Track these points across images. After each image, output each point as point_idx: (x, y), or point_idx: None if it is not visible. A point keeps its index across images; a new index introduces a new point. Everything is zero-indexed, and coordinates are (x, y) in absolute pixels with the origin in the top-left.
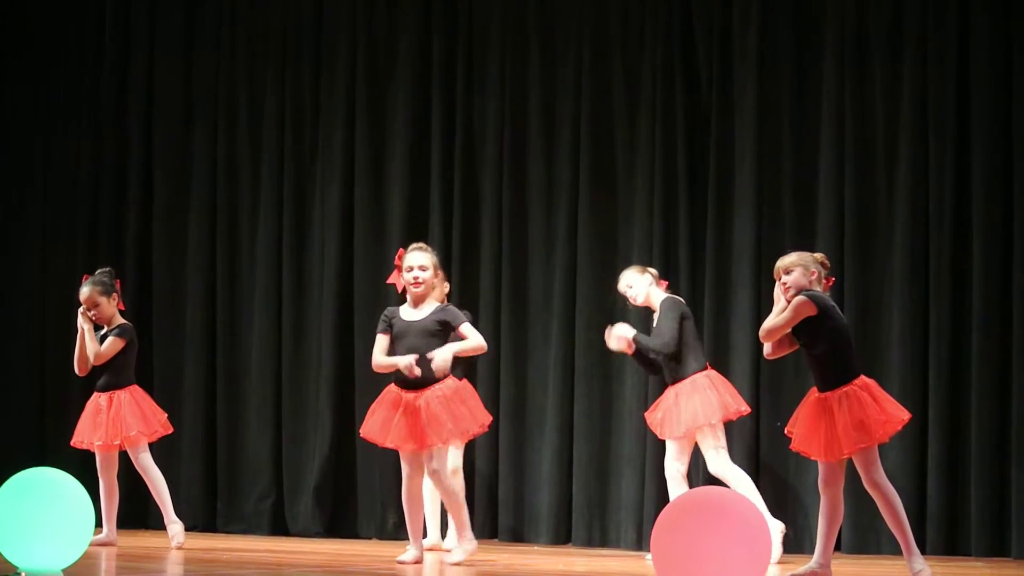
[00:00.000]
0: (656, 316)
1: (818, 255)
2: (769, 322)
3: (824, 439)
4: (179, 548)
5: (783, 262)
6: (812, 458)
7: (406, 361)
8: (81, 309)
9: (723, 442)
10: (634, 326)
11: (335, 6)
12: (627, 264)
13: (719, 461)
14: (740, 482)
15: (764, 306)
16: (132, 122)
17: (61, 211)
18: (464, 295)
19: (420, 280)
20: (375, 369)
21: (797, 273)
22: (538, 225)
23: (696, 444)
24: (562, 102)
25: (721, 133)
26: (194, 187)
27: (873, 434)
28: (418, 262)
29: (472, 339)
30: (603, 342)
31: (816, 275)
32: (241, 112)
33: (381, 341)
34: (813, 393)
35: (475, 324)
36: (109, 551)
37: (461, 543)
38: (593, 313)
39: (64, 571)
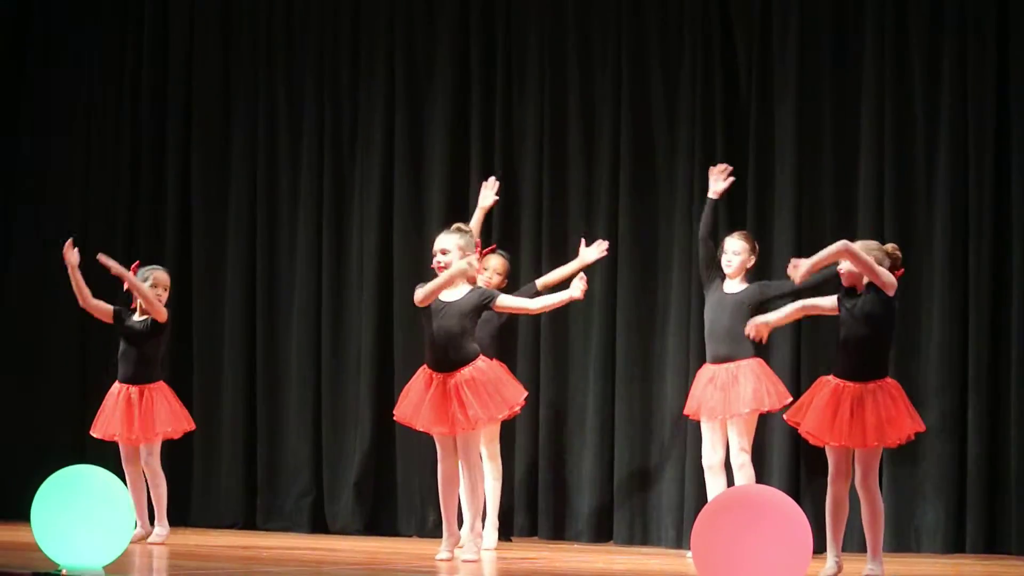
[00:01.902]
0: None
1: (888, 246)
2: (860, 250)
3: (849, 425)
4: (153, 543)
5: None
6: (829, 445)
7: (465, 263)
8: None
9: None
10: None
11: (372, 10)
12: (667, 266)
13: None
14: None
15: None
16: (170, 126)
17: (100, 210)
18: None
19: (442, 264)
20: (421, 301)
21: (852, 261)
22: (577, 227)
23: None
24: (601, 106)
25: (760, 138)
26: (232, 189)
27: (901, 433)
28: (439, 246)
29: (518, 302)
30: (644, 343)
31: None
32: (280, 115)
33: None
34: (827, 383)
35: (514, 326)
36: (148, 548)
37: (473, 537)
38: (633, 315)
39: (105, 568)
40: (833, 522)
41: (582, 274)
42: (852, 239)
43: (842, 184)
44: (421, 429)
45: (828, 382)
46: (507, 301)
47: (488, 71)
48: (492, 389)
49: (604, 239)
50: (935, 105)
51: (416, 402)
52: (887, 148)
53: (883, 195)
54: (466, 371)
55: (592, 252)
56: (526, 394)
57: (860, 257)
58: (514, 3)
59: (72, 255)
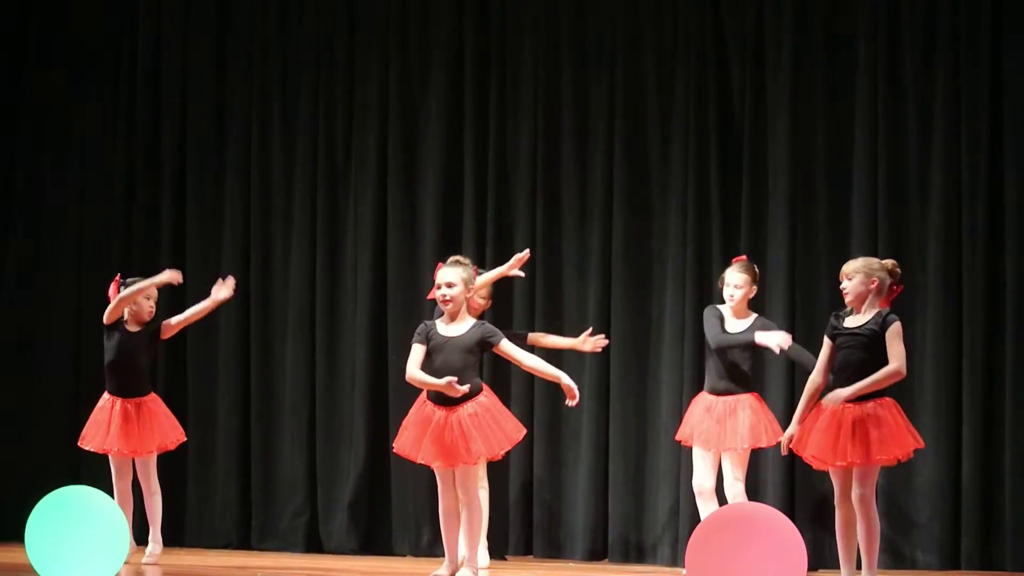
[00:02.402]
0: (753, 326)
1: (888, 262)
2: (847, 392)
3: (852, 444)
4: (147, 563)
5: (847, 267)
6: (834, 467)
7: (446, 382)
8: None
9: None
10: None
11: (366, 26)
12: (661, 283)
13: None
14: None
15: (798, 328)
16: (165, 142)
17: (96, 214)
18: (498, 314)
19: (447, 297)
20: (409, 381)
21: (856, 280)
22: (572, 244)
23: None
24: (595, 122)
25: (754, 154)
26: (227, 209)
27: (903, 450)
28: (445, 279)
29: (516, 353)
30: (638, 360)
31: (877, 283)
32: (274, 131)
33: (417, 352)
34: (825, 407)
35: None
36: (142, 569)
37: (470, 563)
38: (627, 332)
39: None
40: (844, 542)
41: (576, 391)
42: (846, 254)
43: (836, 202)
44: (421, 462)
45: (822, 408)
46: (507, 348)
47: (482, 86)
48: (495, 424)
49: (598, 255)
50: (928, 122)
51: (417, 436)
52: (880, 165)
53: (876, 212)
54: (469, 406)
55: (588, 345)
56: (525, 431)
57: (856, 393)
58: (508, 19)
59: (170, 277)
